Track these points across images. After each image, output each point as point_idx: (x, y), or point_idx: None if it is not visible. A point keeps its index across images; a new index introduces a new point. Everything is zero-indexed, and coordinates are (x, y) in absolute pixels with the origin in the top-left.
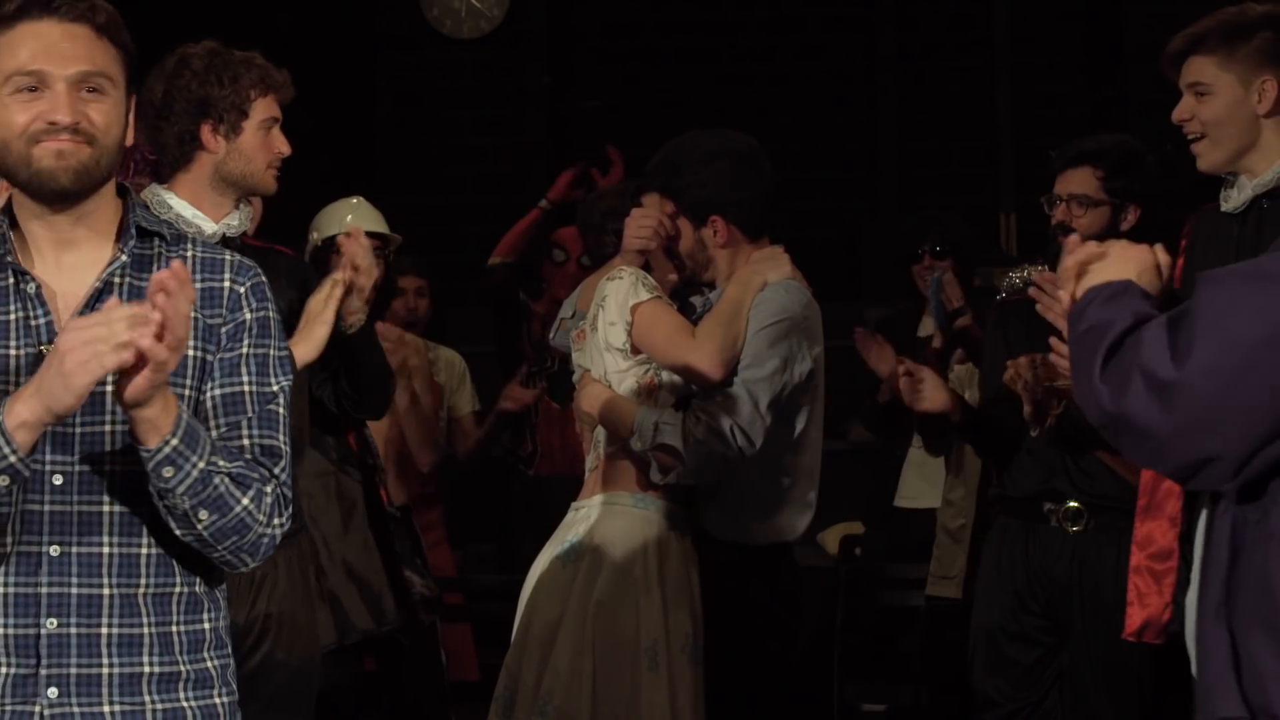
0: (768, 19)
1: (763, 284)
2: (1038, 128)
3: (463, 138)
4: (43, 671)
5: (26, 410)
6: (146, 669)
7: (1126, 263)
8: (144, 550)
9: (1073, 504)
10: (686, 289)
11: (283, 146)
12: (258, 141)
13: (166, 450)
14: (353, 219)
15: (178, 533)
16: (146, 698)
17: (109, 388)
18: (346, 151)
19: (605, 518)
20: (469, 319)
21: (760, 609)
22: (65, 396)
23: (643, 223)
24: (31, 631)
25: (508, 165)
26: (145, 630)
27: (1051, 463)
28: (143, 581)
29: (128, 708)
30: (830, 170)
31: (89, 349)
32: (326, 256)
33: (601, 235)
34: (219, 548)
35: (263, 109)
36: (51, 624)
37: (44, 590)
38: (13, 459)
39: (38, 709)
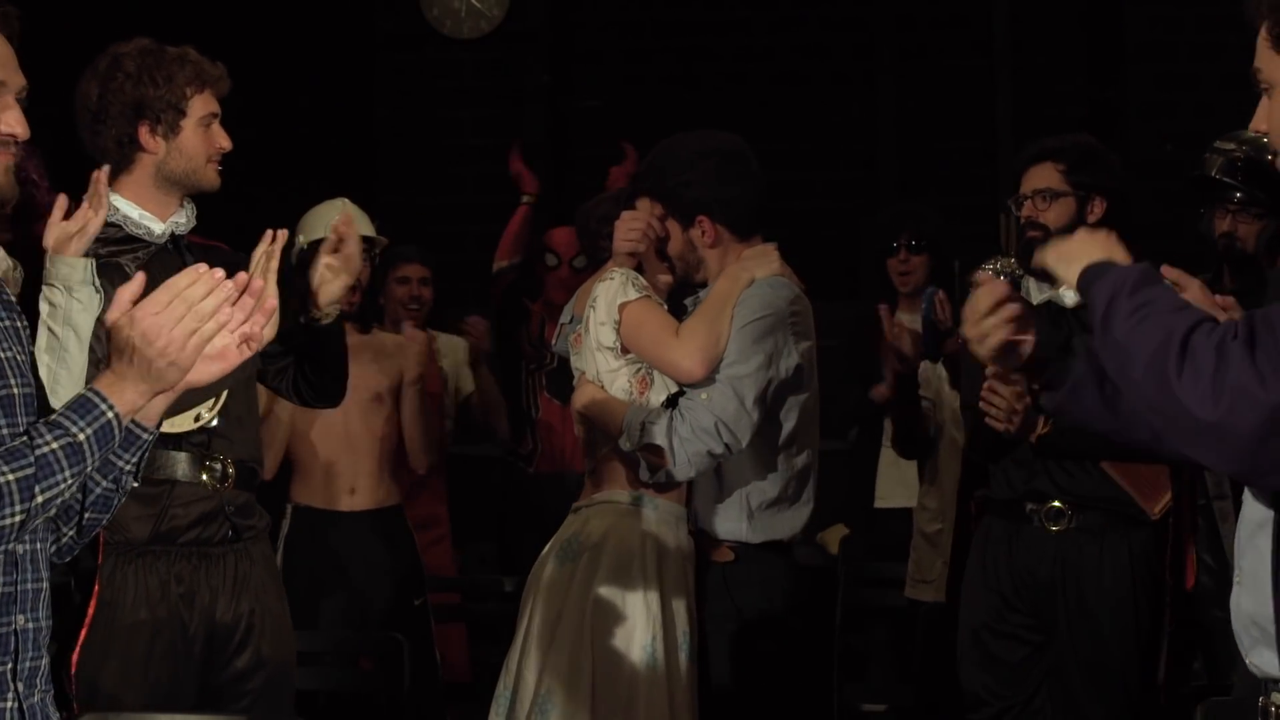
0: (768, 19)
1: (749, 280)
2: (1038, 128)
3: (463, 138)
4: (18, 666)
5: (137, 395)
6: (45, 661)
7: (1096, 246)
8: (47, 547)
9: (1055, 504)
10: (681, 290)
11: (224, 141)
12: (197, 139)
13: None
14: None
15: (87, 517)
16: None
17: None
18: (346, 151)
19: (602, 516)
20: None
21: (755, 607)
22: (173, 375)
23: (631, 226)
24: (8, 629)
25: (508, 165)
26: (49, 623)
27: (1033, 463)
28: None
29: (42, 697)
30: (830, 170)
31: (183, 328)
32: (312, 257)
33: (597, 240)
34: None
35: (200, 105)
36: (21, 619)
37: (17, 588)
38: (146, 436)
39: (8, 705)
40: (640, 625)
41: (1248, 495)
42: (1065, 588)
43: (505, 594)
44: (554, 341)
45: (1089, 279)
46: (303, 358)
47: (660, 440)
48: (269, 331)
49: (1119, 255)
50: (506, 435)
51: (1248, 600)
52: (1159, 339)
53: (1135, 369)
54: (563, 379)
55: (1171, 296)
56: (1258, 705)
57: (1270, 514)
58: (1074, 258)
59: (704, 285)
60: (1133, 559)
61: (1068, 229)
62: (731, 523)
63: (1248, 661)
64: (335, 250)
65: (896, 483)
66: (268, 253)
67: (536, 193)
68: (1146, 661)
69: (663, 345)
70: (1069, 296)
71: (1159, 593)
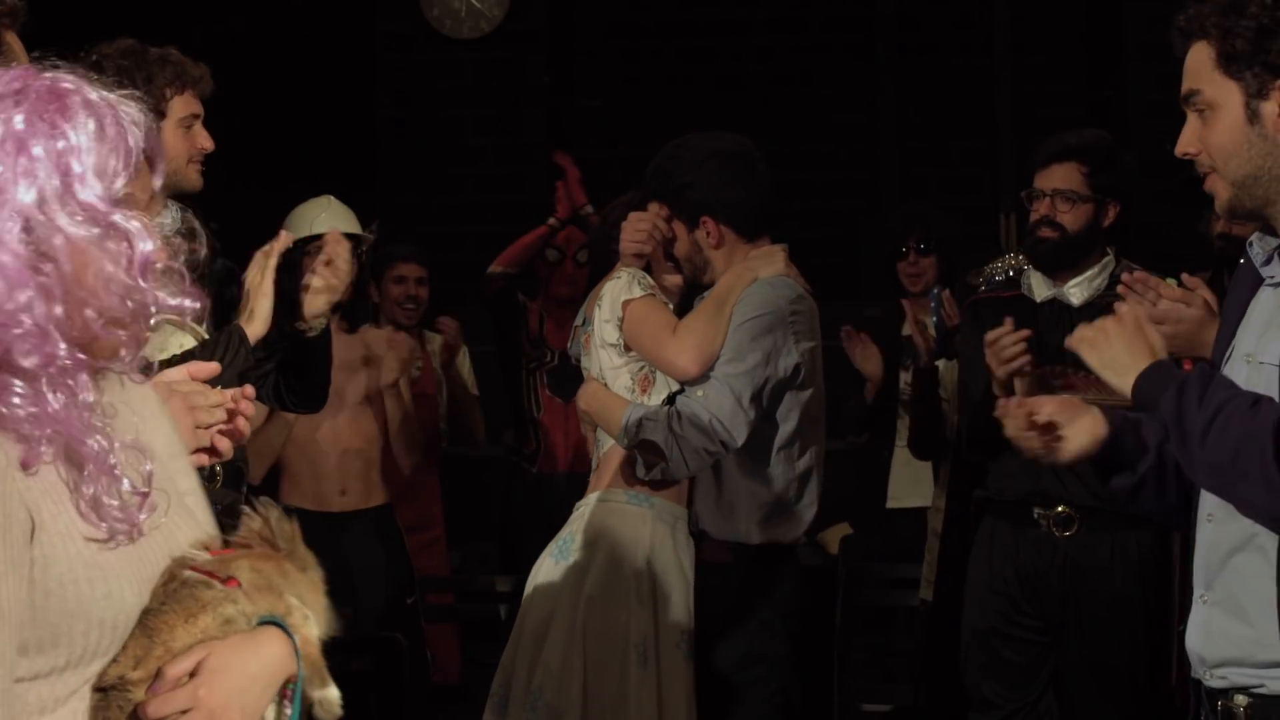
0: (768, 19)
1: (751, 280)
2: (1038, 128)
3: (463, 138)
4: None
5: None
6: None
7: (1135, 342)
8: None
9: (1062, 509)
10: (691, 290)
11: (205, 142)
12: (177, 140)
13: None
14: (325, 218)
15: None
16: None
17: None
18: (346, 151)
19: (599, 514)
20: (469, 319)
21: (756, 608)
22: None
23: (638, 227)
24: None
25: (508, 165)
26: None
27: (1038, 465)
28: None
29: None
30: (830, 170)
31: None
32: (298, 257)
33: (610, 244)
34: None
35: (181, 106)
36: None
37: None
38: None
39: None
40: (633, 624)
41: (1215, 520)
42: (1075, 590)
43: (499, 594)
44: (569, 345)
45: (1148, 394)
46: (285, 365)
47: (657, 438)
48: (259, 327)
49: (1155, 340)
50: (483, 436)
51: (1222, 619)
52: (1255, 451)
53: (1243, 488)
54: (564, 377)
55: (1237, 395)
56: (1217, 708)
57: (1247, 538)
58: (1119, 364)
59: (710, 286)
60: (1142, 560)
61: (1081, 233)
62: (732, 524)
63: (1211, 674)
64: (326, 264)
65: (910, 483)
66: (266, 252)
67: (565, 222)
68: (1156, 663)
69: (659, 343)
70: (1075, 294)
71: (1168, 594)
